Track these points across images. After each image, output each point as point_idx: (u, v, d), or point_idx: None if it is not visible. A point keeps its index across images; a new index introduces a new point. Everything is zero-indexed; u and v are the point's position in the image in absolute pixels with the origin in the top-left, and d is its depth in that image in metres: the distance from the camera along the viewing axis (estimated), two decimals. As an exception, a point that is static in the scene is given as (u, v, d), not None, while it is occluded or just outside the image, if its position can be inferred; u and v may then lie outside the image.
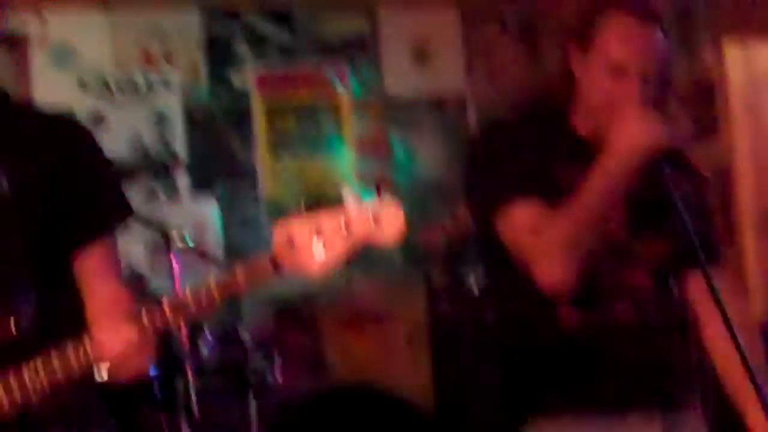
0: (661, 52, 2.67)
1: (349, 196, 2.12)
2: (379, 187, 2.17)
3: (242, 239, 5.76)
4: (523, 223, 2.60)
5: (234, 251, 5.64)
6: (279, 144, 5.97)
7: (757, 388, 2.55)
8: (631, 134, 2.51)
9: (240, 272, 2.17)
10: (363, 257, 2.18)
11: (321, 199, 2.14)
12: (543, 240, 2.54)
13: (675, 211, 2.54)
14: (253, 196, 5.87)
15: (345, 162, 5.99)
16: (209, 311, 2.23)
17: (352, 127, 6.08)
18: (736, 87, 5.41)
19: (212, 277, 2.18)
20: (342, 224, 2.11)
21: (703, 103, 5.49)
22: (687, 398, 2.84)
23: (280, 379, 4.90)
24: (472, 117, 6.23)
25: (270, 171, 5.93)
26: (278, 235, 2.13)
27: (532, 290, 2.60)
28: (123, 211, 2.44)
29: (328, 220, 2.11)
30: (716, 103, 5.50)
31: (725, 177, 5.46)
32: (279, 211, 5.69)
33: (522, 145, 2.71)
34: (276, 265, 2.14)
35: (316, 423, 5.14)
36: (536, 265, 2.56)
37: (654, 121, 2.53)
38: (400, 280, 5.76)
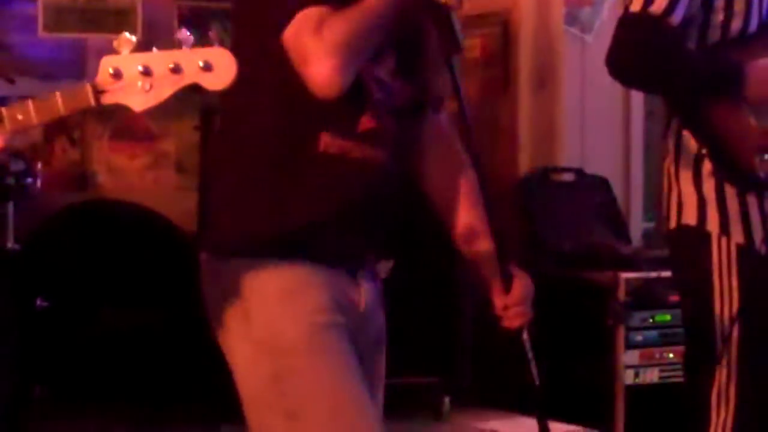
0: None
1: (182, 39, 2.16)
2: (210, 33, 2.20)
3: None
4: (306, 24, 2.54)
5: None
6: None
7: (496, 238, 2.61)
8: None
9: (60, 97, 2.16)
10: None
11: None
12: (322, 39, 2.50)
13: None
14: None
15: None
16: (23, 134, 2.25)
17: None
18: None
19: (30, 101, 2.18)
20: (171, 66, 2.15)
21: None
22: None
23: (40, 187, 4.84)
24: None
25: None
26: (105, 65, 2.14)
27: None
28: None
29: (157, 60, 2.15)
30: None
31: (507, 28, 5.56)
32: None
33: None
34: (97, 94, 2.15)
35: (74, 231, 5.11)
36: (310, 63, 2.52)
37: None
38: (175, 99, 5.68)
